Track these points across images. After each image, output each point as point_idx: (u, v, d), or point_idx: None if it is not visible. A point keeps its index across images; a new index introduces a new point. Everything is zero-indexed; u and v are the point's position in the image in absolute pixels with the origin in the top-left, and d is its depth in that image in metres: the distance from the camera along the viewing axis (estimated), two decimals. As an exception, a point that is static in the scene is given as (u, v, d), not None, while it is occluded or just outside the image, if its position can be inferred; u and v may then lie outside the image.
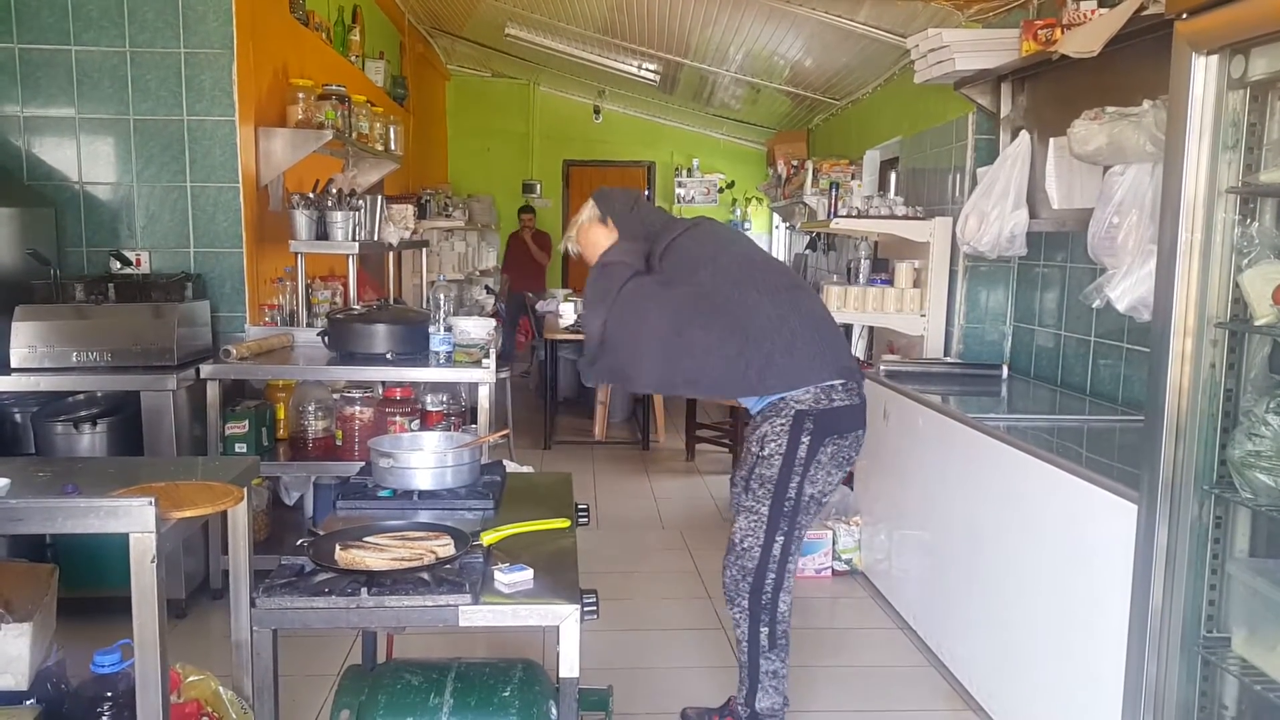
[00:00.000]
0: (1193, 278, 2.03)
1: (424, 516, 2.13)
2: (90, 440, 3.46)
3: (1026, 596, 2.72)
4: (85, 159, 4.08)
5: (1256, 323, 1.94)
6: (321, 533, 1.94)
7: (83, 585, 2.94)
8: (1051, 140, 3.52)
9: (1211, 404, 2.04)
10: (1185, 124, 1.99)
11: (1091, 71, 3.20)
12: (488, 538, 1.96)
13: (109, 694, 2.10)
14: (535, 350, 8.28)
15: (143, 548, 1.83)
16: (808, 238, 7.54)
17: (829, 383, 2.53)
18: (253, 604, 1.68)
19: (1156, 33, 2.70)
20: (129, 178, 4.09)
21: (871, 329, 5.44)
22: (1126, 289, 2.81)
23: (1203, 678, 2.09)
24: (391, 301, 5.14)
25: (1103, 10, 3.06)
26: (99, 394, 3.60)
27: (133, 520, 1.81)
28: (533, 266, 9.61)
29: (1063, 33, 3.22)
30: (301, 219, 4.23)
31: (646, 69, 8.30)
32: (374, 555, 1.80)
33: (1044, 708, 2.64)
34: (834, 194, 5.24)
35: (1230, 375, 2.04)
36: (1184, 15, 1.98)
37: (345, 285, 4.66)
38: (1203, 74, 1.97)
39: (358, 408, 3.87)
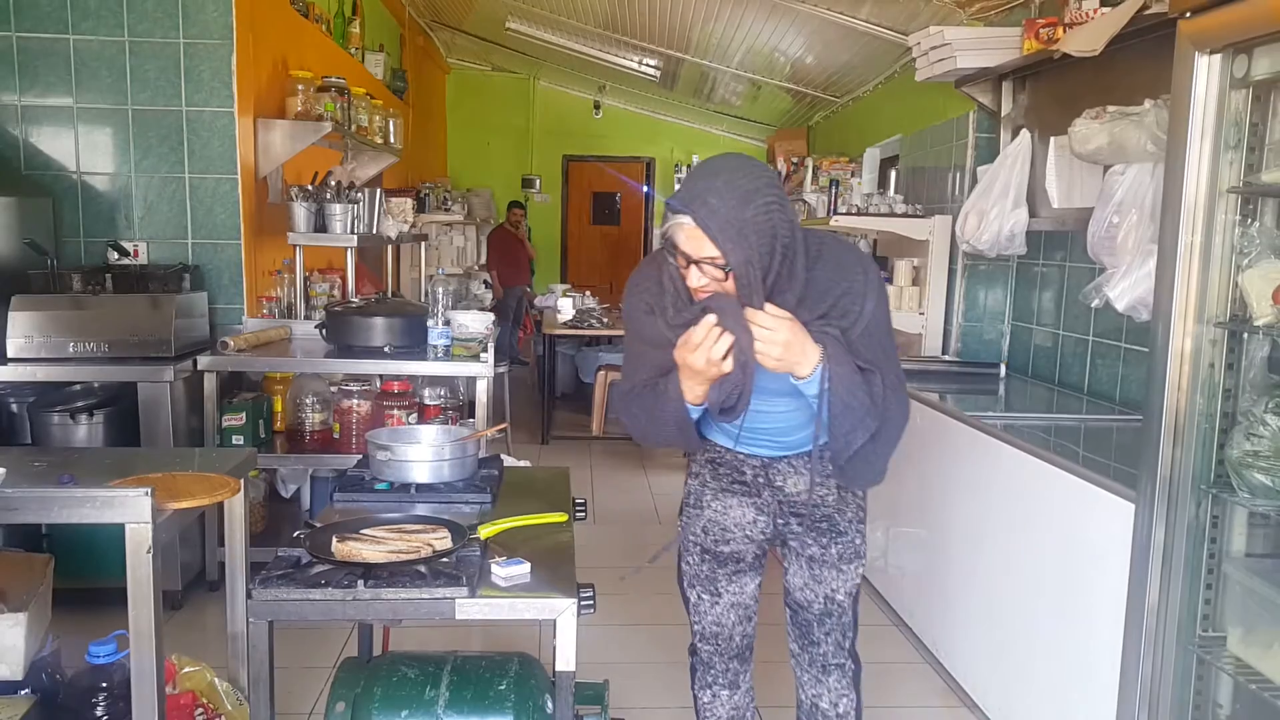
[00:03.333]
0: (1193, 277, 2.02)
1: (421, 509, 2.13)
2: (87, 431, 3.45)
3: (1023, 595, 2.72)
4: (83, 149, 4.06)
5: (1256, 323, 1.94)
6: (318, 525, 1.94)
7: (79, 576, 2.94)
8: (1052, 139, 3.52)
9: (1210, 404, 2.04)
10: (1187, 124, 1.99)
11: (1093, 70, 3.20)
12: (485, 531, 1.95)
13: (104, 685, 2.10)
14: (534, 345, 8.28)
15: (139, 538, 1.83)
16: (807, 235, 7.53)
17: None
18: (249, 595, 1.68)
19: (1159, 32, 2.70)
20: (127, 168, 4.08)
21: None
22: (1126, 288, 2.81)
23: (1198, 676, 2.09)
24: (390, 295, 5.13)
25: (1105, 9, 3.06)
26: (96, 385, 3.60)
27: (129, 511, 1.81)
28: (522, 262, 9.57)
29: (1065, 31, 3.21)
30: (300, 211, 4.22)
31: (647, 64, 8.29)
32: (371, 548, 1.80)
33: (1039, 705, 2.64)
34: (834, 191, 5.24)
35: (1229, 375, 2.04)
36: (1187, 14, 1.98)
37: (343, 278, 4.65)
38: (1205, 73, 1.96)
39: (355, 401, 3.86)
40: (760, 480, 2.08)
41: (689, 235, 1.73)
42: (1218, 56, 1.95)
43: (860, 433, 1.84)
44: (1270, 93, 1.96)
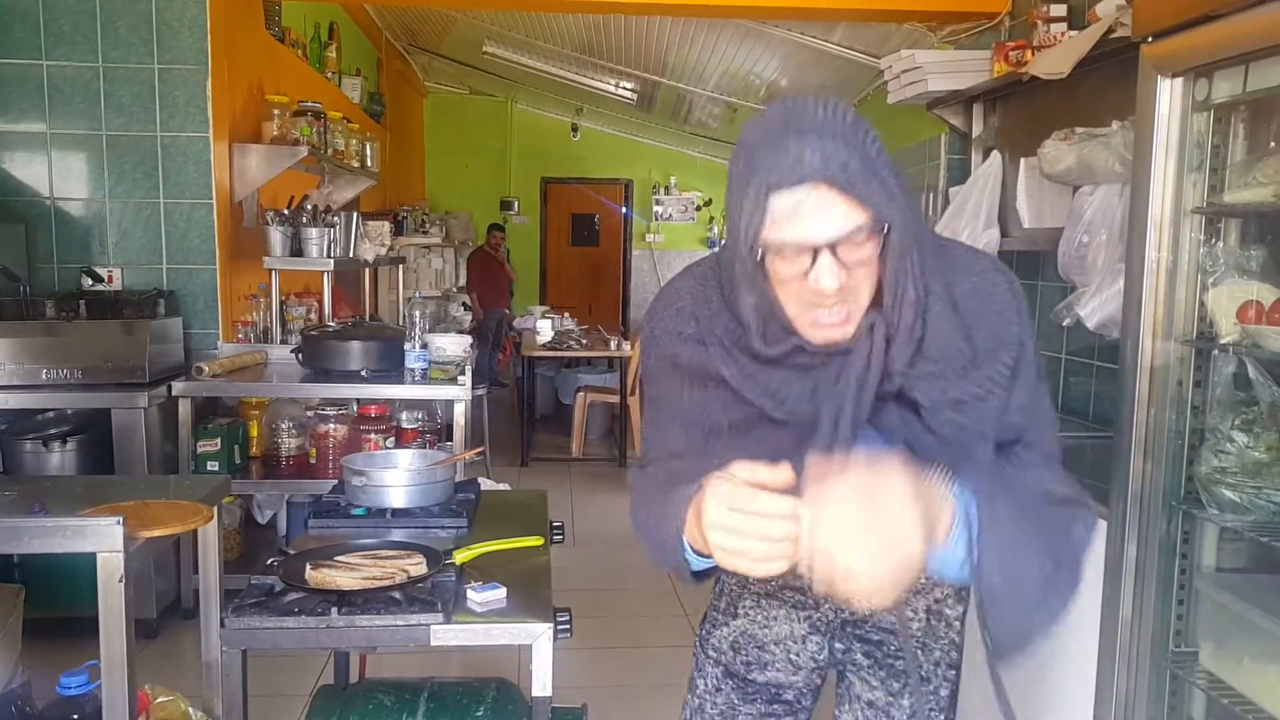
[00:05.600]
0: (1160, 296, 2.05)
1: (397, 535, 2.12)
2: (60, 459, 3.42)
3: (999, 612, 2.73)
4: (57, 175, 4.05)
5: (1222, 340, 1.97)
6: (292, 552, 1.93)
7: (51, 606, 2.90)
8: (1022, 160, 3.56)
9: (1179, 420, 2.06)
10: (1151, 145, 2.02)
11: (1061, 93, 3.24)
12: (461, 556, 1.95)
13: (75, 716, 2.07)
14: (513, 367, 8.28)
15: (110, 567, 1.81)
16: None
17: None
18: (222, 624, 1.66)
19: (1124, 55, 2.74)
20: (101, 194, 4.06)
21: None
22: (1096, 307, 2.84)
23: (1171, 691, 2.10)
24: (367, 318, 5.12)
25: (1072, 33, 3.11)
26: (69, 412, 3.57)
27: (100, 540, 1.80)
28: (502, 284, 9.57)
29: (1033, 54, 3.26)
30: (276, 235, 4.21)
31: (624, 87, 8.34)
32: (345, 574, 1.79)
33: (1017, 724, 2.64)
34: (809, 212, 5.27)
35: (1197, 392, 2.06)
36: (1150, 39, 2.02)
37: (320, 302, 4.64)
38: (1168, 96, 2.00)
39: (332, 425, 3.84)
40: None
41: (816, 209, 1.08)
42: (1179, 80, 1.98)
43: (1039, 619, 1.18)
44: (1231, 115, 2.00)
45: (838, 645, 1.47)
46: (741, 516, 0.99)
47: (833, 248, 1.09)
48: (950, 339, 1.16)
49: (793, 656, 1.48)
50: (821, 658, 1.48)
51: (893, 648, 1.45)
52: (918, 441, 1.18)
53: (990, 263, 1.26)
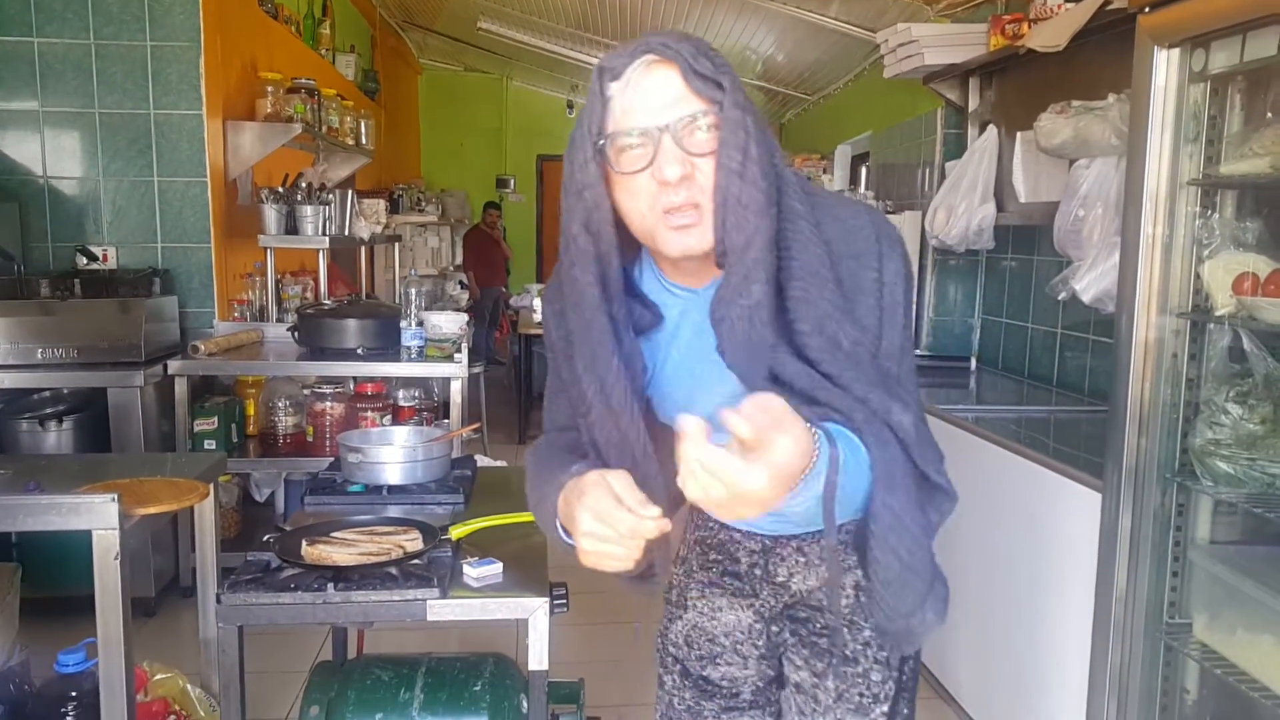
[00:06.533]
0: (1155, 269, 2.05)
1: (393, 511, 2.12)
2: (56, 438, 3.42)
3: (993, 584, 2.75)
4: (50, 153, 4.02)
5: (1217, 313, 1.97)
6: (288, 529, 1.93)
7: (48, 585, 2.91)
8: (1019, 134, 3.55)
9: (1174, 393, 2.06)
10: (1147, 117, 2.02)
11: (1058, 66, 3.23)
12: (456, 532, 1.95)
13: (73, 693, 2.09)
14: (510, 345, 8.28)
15: (106, 545, 1.82)
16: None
17: None
18: (218, 600, 1.67)
19: (1121, 27, 2.73)
20: (95, 172, 4.04)
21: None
22: (1091, 281, 2.84)
23: (1165, 662, 2.12)
24: (363, 296, 5.12)
25: (1069, 5, 3.09)
26: (65, 391, 3.57)
27: (95, 517, 1.80)
28: (499, 263, 9.54)
29: (1030, 27, 3.24)
30: (270, 214, 4.20)
31: (619, 63, 8.29)
32: (341, 550, 1.79)
33: (1011, 694, 2.66)
34: (806, 188, 5.24)
35: (1192, 365, 2.06)
36: (1146, 9, 2.00)
37: (316, 280, 4.63)
38: (1164, 67, 1.99)
39: (329, 403, 3.84)
40: (757, 571, 1.41)
41: (654, 89, 1.08)
42: (1176, 51, 1.97)
43: (931, 608, 1.20)
44: (1228, 86, 1.99)
45: (774, 628, 1.43)
46: (605, 528, 1.04)
47: (675, 137, 1.08)
48: (818, 260, 1.11)
49: (740, 647, 1.45)
50: (762, 644, 1.45)
51: (818, 625, 1.37)
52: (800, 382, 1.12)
53: (861, 207, 1.20)
